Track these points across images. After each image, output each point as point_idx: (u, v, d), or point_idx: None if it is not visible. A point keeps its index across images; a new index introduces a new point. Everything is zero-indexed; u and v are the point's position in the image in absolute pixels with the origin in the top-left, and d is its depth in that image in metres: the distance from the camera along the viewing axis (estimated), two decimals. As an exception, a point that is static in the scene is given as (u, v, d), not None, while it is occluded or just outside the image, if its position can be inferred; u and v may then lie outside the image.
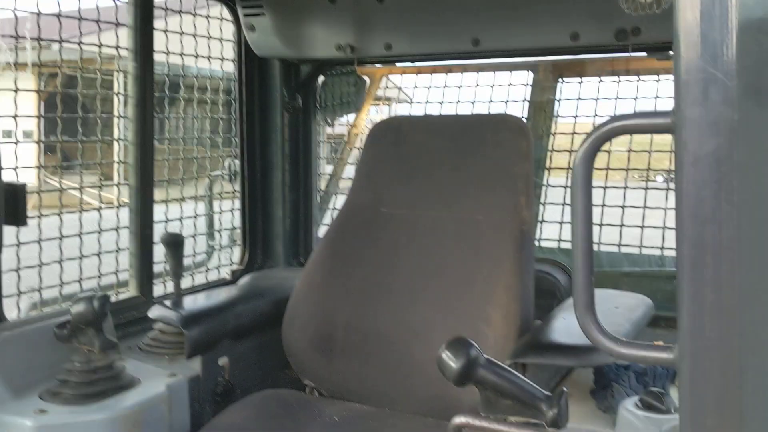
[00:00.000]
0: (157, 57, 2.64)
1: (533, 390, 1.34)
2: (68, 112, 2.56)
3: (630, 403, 1.52)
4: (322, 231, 3.23)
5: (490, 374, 1.34)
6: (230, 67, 3.08)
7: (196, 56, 2.93)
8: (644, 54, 2.58)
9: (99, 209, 2.58)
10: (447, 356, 1.34)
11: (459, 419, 1.32)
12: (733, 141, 0.99)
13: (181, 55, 2.86)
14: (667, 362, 1.10)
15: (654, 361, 1.12)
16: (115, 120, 2.75)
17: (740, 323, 1.00)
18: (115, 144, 3.02)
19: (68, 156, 2.74)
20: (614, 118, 1.14)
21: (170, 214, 2.85)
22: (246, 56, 3.01)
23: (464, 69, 3.22)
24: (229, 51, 3.05)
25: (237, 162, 3.08)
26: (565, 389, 1.34)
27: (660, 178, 3.06)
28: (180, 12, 2.87)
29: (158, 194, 2.71)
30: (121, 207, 2.67)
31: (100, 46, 2.58)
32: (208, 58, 2.98)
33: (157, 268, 2.66)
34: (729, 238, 1.01)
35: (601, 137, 1.14)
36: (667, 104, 2.90)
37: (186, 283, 2.79)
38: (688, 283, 1.03)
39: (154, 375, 2.15)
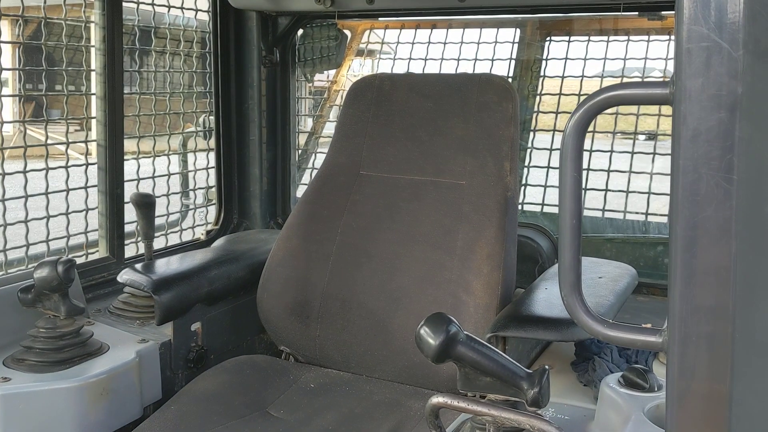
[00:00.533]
0: (126, 5, 2.50)
1: (514, 368, 1.30)
2: (42, 62, 2.43)
3: (612, 379, 1.48)
4: (300, 191, 3.14)
5: (469, 351, 1.29)
6: (206, 19, 2.94)
7: (168, 7, 2.79)
8: (635, 13, 2.49)
9: (66, 167, 2.47)
10: (425, 333, 1.29)
11: (436, 399, 1.27)
12: (736, 116, 0.93)
13: (152, 5, 2.71)
14: (656, 347, 1.06)
15: (642, 346, 1.07)
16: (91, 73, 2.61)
17: (733, 312, 0.95)
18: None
19: (45, 108, 2.60)
20: (608, 88, 1.06)
21: (143, 171, 2.75)
22: (221, 7, 2.87)
23: (450, 25, 3.10)
24: (204, 1, 2.91)
25: (212, 118, 2.97)
26: (547, 367, 1.29)
27: (642, 137, 3.00)
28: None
29: (130, 149, 2.61)
30: (90, 166, 2.56)
31: (65, -7, 2.44)
32: (181, 8, 2.84)
33: (130, 227, 2.58)
34: (725, 219, 0.95)
35: (593, 108, 1.07)
36: (658, 65, 2.82)
37: (159, 243, 2.71)
38: (681, 266, 0.97)
39: (123, 340, 2.09)
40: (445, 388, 1.97)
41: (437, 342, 1.27)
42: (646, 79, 2.88)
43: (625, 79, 2.90)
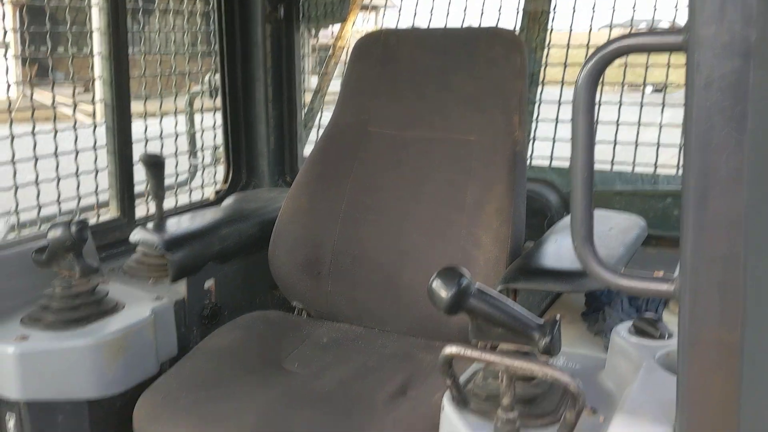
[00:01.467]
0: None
1: (525, 319, 1.31)
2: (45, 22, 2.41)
3: (623, 328, 1.50)
4: (308, 150, 3.14)
5: (481, 303, 1.31)
6: (208, -25, 2.90)
7: (170, -36, 2.75)
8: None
9: (74, 128, 2.47)
10: (437, 285, 1.30)
11: (450, 349, 1.29)
12: (750, 63, 0.92)
13: (155, -39, 2.68)
14: (667, 294, 1.07)
15: (654, 294, 1.08)
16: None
17: (745, 261, 0.96)
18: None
19: (51, 69, 2.58)
20: (621, 37, 1.06)
21: (150, 132, 2.75)
22: (224, -37, 2.83)
23: (455, -24, 3.05)
24: (206, -43, 2.87)
25: (217, 77, 2.95)
26: (558, 317, 1.31)
27: (649, 89, 2.97)
28: None
29: (136, 110, 2.60)
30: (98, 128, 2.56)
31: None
32: (183, -35, 2.80)
33: (140, 188, 2.59)
34: (736, 168, 0.95)
35: (606, 57, 1.07)
36: (667, 15, 2.77)
37: (168, 203, 2.72)
38: (693, 214, 0.98)
39: (138, 299, 2.11)
40: (456, 339, 1.98)
41: (449, 294, 1.28)
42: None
43: (634, 30, 2.86)
